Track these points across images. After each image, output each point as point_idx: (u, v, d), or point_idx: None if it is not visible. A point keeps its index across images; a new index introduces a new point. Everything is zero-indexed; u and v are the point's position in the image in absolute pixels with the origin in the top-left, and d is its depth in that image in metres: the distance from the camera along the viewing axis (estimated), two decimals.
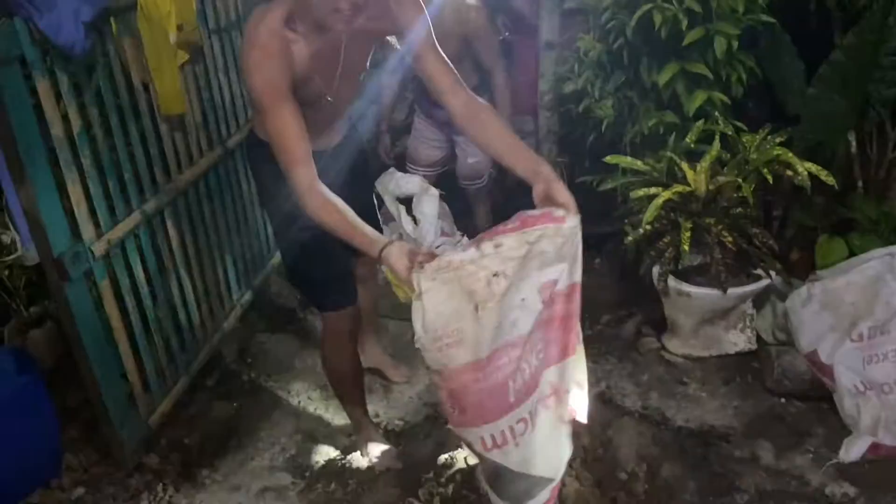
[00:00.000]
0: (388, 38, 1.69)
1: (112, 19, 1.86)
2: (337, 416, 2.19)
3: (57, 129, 1.74)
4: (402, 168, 2.97)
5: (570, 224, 1.07)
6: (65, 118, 1.78)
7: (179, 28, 2.00)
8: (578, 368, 1.15)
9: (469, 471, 1.89)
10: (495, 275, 1.05)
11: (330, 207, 1.28)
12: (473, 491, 1.83)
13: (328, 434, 2.16)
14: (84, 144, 1.83)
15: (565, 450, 1.17)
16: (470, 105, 1.36)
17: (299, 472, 2.01)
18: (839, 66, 2.06)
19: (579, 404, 1.17)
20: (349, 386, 1.85)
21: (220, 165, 2.44)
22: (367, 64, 1.60)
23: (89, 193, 1.85)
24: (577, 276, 1.09)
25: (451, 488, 1.87)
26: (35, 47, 1.63)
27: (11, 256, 2.14)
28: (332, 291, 1.69)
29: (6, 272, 2.19)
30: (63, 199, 1.80)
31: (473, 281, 1.05)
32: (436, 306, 1.05)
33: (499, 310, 1.06)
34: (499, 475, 1.20)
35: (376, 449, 1.87)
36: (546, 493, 1.18)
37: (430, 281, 1.05)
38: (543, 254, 1.05)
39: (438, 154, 2.84)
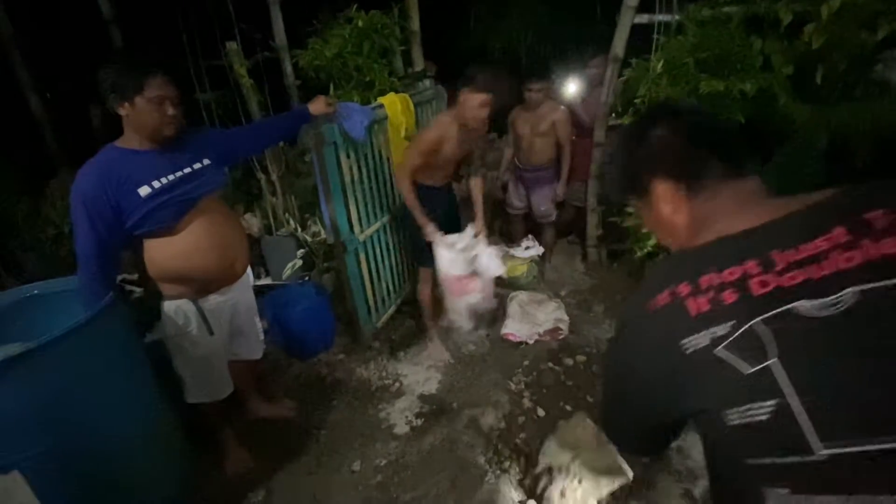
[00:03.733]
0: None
1: (376, 125, 2.40)
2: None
3: (347, 177, 2.28)
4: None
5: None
6: (350, 171, 2.28)
7: (407, 129, 2.54)
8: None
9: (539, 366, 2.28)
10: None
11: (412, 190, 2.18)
12: (539, 382, 2.23)
13: (463, 337, 2.60)
14: (357, 186, 2.35)
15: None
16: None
17: (452, 354, 2.47)
18: (778, 166, 2.31)
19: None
20: (433, 308, 2.51)
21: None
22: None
23: (359, 210, 2.38)
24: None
25: (531, 376, 2.29)
26: (340, 137, 2.19)
27: (319, 238, 2.71)
28: (427, 258, 2.34)
29: (315, 245, 2.71)
30: (347, 211, 2.32)
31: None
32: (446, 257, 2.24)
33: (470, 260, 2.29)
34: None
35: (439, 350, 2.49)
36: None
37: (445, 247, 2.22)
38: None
39: (522, 202, 3.29)
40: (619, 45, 2.63)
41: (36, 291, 1.58)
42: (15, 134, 3.20)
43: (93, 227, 1.35)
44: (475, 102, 2.00)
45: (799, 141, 2.23)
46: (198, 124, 2.98)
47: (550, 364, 2.36)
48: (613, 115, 2.87)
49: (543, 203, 3.15)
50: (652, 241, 2.36)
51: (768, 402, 0.50)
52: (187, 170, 1.49)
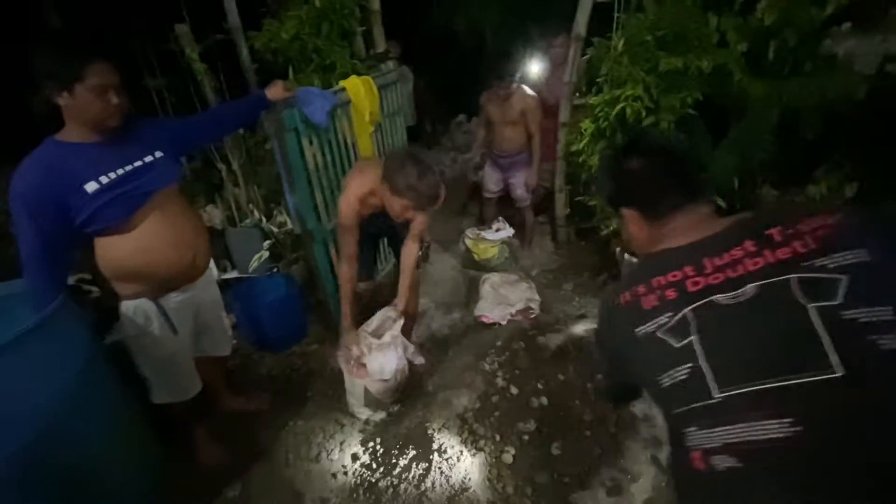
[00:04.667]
0: None
1: (338, 109, 2.33)
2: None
3: (310, 164, 2.22)
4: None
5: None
6: (314, 158, 2.22)
7: (371, 114, 2.48)
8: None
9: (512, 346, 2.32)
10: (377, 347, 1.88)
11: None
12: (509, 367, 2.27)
13: (437, 321, 2.62)
14: (322, 173, 2.29)
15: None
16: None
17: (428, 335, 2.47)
18: (734, 140, 2.39)
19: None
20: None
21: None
22: None
23: (325, 197, 2.32)
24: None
25: (504, 356, 2.33)
26: (302, 123, 2.11)
27: (286, 227, 2.65)
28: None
29: (282, 236, 2.65)
30: (313, 200, 2.26)
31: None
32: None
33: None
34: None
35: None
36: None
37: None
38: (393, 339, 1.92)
39: (497, 186, 3.27)
40: (581, 23, 2.64)
41: None
42: None
43: (37, 228, 1.27)
44: (397, 206, 1.69)
45: (753, 116, 2.29)
46: (149, 113, 2.84)
47: (522, 343, 2.40)
48: (577, 94, 2.88)
49: (519, 188, 3.16)
50: (617, 220, 2.41)
51: (686, 366, 0.71)
52: (138, 163, 1.41)
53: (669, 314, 0.74)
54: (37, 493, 1.20)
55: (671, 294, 0.76)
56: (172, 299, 1.54)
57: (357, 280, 1.99)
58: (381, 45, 2.97)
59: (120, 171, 1.36)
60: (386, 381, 1.94)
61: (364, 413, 2.02)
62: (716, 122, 2.46)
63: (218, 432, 1.91)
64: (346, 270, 1.89)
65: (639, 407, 1.91)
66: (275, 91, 1.89)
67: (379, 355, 1.91)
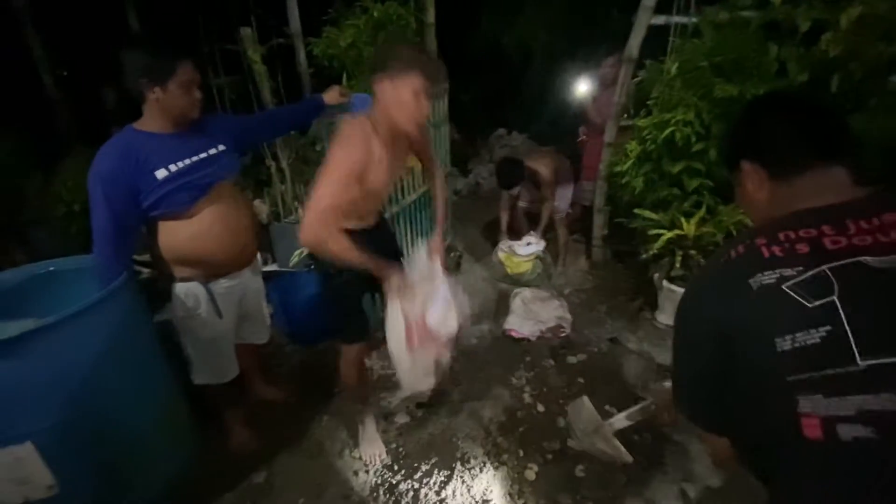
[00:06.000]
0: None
1: None
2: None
3: None
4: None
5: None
6: None
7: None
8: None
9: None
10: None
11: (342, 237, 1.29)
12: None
13: (466, 332, 2.62)
14: None
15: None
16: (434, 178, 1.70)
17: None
18: None
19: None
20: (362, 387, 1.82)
21: (427, 192, 2.90)
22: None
23: None
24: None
25: (532, 373, 2.30)
26: None
27: None
28: (357, 329, 1.67)
29: None
30: None
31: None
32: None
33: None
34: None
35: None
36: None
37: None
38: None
39: (533, 196, 3.34)
40: (634, 45, 2.63)
41: (52, 268, 1.60)
42: (28, 111, 3.22)
43: (109, 207, 1.36)
44: (407, 92, 1.30)
45: None
46: (211, 110, 2.99)
47: (552, 361, 2.38)
48: (625, 115, 2.86)
49: (560, 199, 3.17)
50: (659, 244, 2.37)
51: (824, 328, 0.63)
52: (203, 154, 1.50)
53: (800, 268, 0.66)
54: (82, 455, 1.28)
55: (802, 248, 0.67)
56: (221, 285, 1.61)
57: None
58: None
59: (188, 161, 1.46)
60: (452, 333, 1.53)
61: (405, 392, 1.78)
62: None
63: (249, 419, 1.97)
64: (323, 231, 1.28)
65: (676, 437, 1.86)
66: (331, 95, 1.97)
67: (435, 304, 1.49)
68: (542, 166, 3.13)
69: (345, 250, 1.30)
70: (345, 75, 2.75)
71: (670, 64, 2.40)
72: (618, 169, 2.64)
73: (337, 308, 1.65)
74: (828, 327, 0.62)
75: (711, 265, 0.78)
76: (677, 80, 2.36)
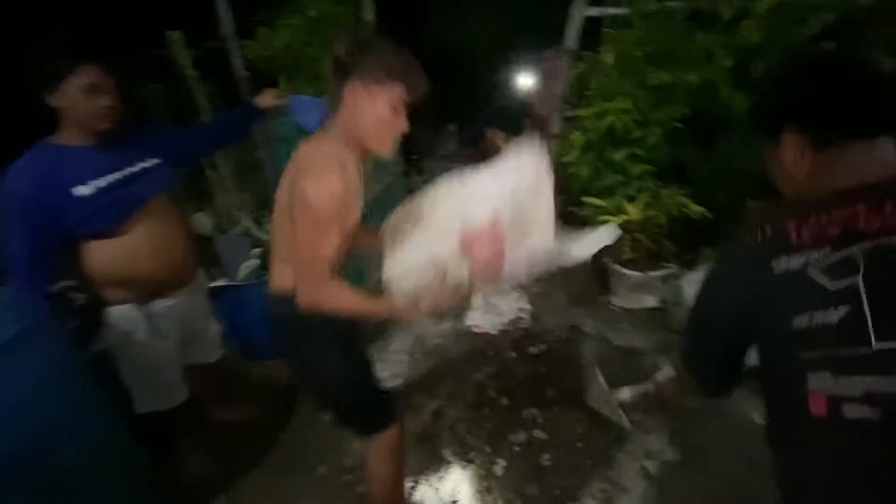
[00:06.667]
0: None
1: None
2: None
3: None
4: None
5: None
6: None
7: None
8: None
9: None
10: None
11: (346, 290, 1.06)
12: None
13: (428, 331, 2.61)
14: None
15: None
16: None
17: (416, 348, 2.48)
18: (720, 154, 2.47)
19: None
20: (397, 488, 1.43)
21: (378, 194, 2.63)
22: None
23: None
24: None
25: (495, 367, 2.31)
26: (295, 132, 2.02)
27: None
28: (382, 416, 1.30)
29: None
30: None
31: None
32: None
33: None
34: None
35: None
36: None
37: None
38: None
39: None
40: (571, 37, 2.68)
41: None
42: None
43: (26, 231, 1.25)
44: (384, 105, 1.05)
45: (739, 130, 2.34)
46: (144, 119, 2.81)
47: (514, 354, 2.39)
48: (568, 106, 2.92)
49: None
50: None
51: (843, 308, 0.61)
52: (132, 169, 1.40)
53: (827, 249, 0.63)
54: None
55: (833, 230, 0.64)
56: (159, 305, 1.51)
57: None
58: None
59: (113, 177, 1.35)
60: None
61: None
62: (703, 136, 2.51)
63: (206, 443, 1.87)
64: (342, 293, 1.08)
65: (635, 417, 1.91)
66: (265, 99, 1.87)
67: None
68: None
69: (357, 304, 1.06)
70: (282, 78, 2.66)
71: (606, 54, 2.46)
72: (565, 159, 2.68)
73: (353, 395, 1.23)
74: (847, 308, 0.61)
75: (737, 245, 0.75)
76: (614, 71, 2.43)
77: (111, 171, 1.35)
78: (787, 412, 0.67)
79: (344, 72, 1.03)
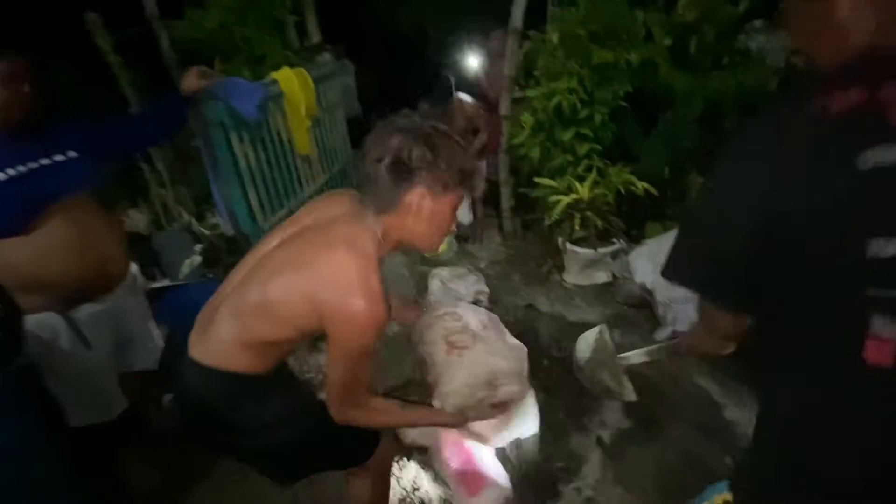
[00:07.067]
0: None
1: (270, 102, 2.20)
2: None
3: (242, 162, 2.09)
4: None
5: None
6: (245, 156, 2.09)
7: (307, 107, 2.36)
8: None
9: None
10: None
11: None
12: None
13: None
14: (256, 171, 2.16)
15: None
16: None
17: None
18: (662, 130, 2.50)
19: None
20: None
21: (329, 182, 2.77)
22: None
23: (260, 197, 2.20)
24: None
25: None
26: (230, 117, 1.97)
27: (218, 230, 2.50)
28: (363, 449, 1.19)
29: (215, 238, 2.50)
30: (247, 199, 2.14)
31: None
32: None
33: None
34: None
35: None
36: None
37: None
38: None
39: None
40: (517, 16, 2.65)
41: None
42: None
43: None
44: (448, 210, 0.97)
45: (679, 107, 2.41)
46: (60, 110, 2.58)
47: None
48: (517, 87, 2.90)
49: None
50: (559, 210, 2.47)
51: None
52: (43, 161, 1.28)
53: None
54: None
55: None
56: (84, 311, 1.40)
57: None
58: (315, 37, 2.86)
59: (20, 168, 1.23)
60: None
61: None
62: (646, 114, 2.57)
63: (152, 454, 1.76)
64: (384, 408, 1.08)
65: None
66: (189, 82, 1.69)
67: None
68: None
69: (402, 418, 1.12)
70: (216, 60, 2.50)
71: (551, 34, 2.45)
72: (516, 141, 2.68)
73: (331, 446, 1.12)
74: None
75: (788, 118, 0.53)
76: (559, 50, 2.43)
77: (19, 163, 1.23)
78: (825, 352, 0.54)
79: (408, 175, 0.90)
